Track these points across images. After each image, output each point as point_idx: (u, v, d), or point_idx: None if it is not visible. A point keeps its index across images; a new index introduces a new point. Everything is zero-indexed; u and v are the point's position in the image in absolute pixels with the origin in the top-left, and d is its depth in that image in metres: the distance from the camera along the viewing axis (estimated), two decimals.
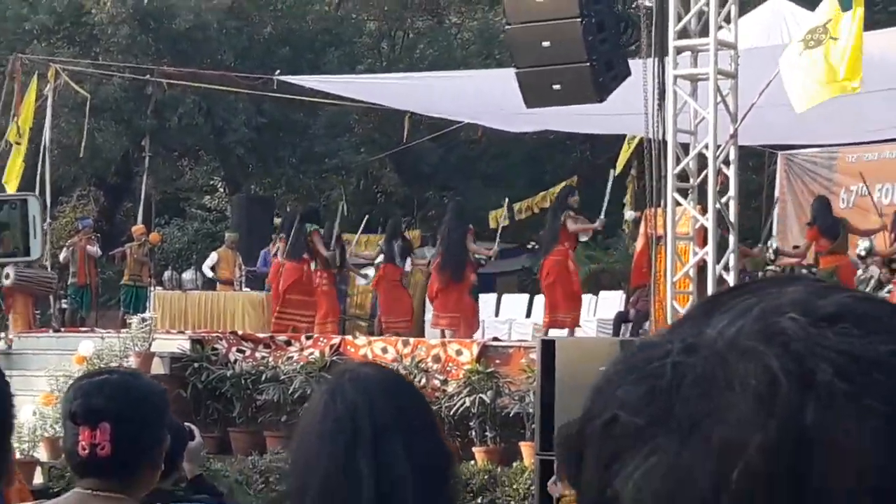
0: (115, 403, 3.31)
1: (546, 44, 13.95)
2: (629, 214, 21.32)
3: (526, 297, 23.95)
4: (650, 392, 0.88)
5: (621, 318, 19.79)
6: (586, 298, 23.03)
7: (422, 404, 2.92)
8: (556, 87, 14.11)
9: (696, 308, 0.93)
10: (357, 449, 2.67)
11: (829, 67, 12.77)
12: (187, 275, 24.88)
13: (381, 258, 21.60)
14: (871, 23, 15.46)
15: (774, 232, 22.01)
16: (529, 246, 26.52)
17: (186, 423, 5.60)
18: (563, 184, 25.92)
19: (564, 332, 17.86)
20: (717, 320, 0.89)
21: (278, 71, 24.69)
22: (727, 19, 14.06)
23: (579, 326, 18.70)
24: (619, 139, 25.19)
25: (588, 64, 13.86)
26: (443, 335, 18.19)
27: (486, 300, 23.87)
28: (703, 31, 14.13)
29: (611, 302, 22.41)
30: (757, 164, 26.07)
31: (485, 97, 20.62)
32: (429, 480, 2.69)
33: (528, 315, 22.70)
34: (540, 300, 22.89)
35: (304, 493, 2.68)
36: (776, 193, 25.10)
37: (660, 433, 0.86)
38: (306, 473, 2.69)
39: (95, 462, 3.26)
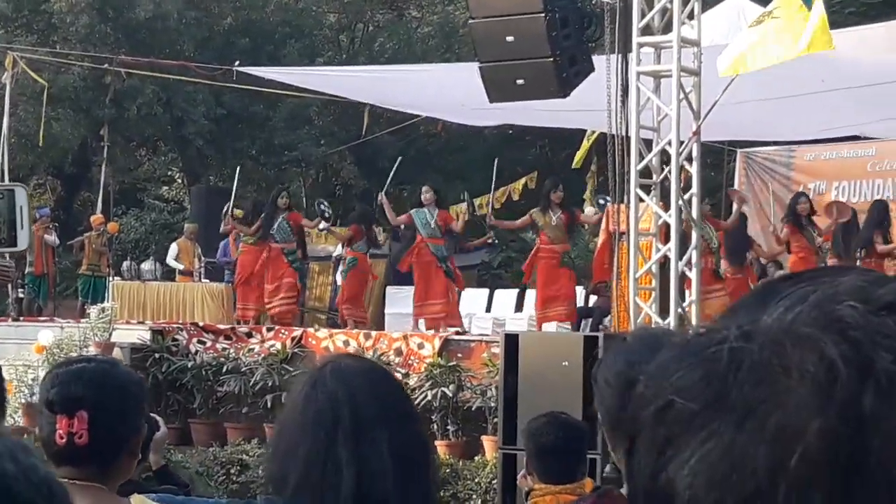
0: (93, 392, 3.28)
1: (510, 38, 13.94)
2: (589, 210, 21.35)
3: (486, 291, 23.94)
4: (706, 377, 0.89)
5: (582, 314, 19.83)
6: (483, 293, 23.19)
7: (402, 396, 2.94)
8: (520, 81, 14.11)
9: (750, 295, 0.94)
10: (337, 438, 2.68)
11: (768, 37, 12.85)
12: (146, 265, 24.78)
13: (339, 250, 21.58)
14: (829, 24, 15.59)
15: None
16: (489, 241, 26.48)
17: (151, 414, 5.58)
18: (522, 179, 26.03)
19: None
20: (774, 308, 0.90)
21: (237, 62, 24.59)
22: (690, 16, 14.10)
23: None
24: (579, 135, 25.23)
25: (551, 59, 13.86)
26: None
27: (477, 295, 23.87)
28: (667, 28, 14.17)
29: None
30: (716, 161, 26.18)
31: (445, 91, 20.60)
32: (409, 471, 2.71)
33: (489, 310, 22.69)
34: (500, 295, 22.97)
35: (284, 480, 2.69)
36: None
37: (715, 418, 0.87)
38: (287, 461, 2.70)
39: (73, 451, 3.24)
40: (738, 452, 0.85)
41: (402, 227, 19.41)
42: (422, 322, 18.46)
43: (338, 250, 22.06)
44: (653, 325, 12.57)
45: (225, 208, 21.00)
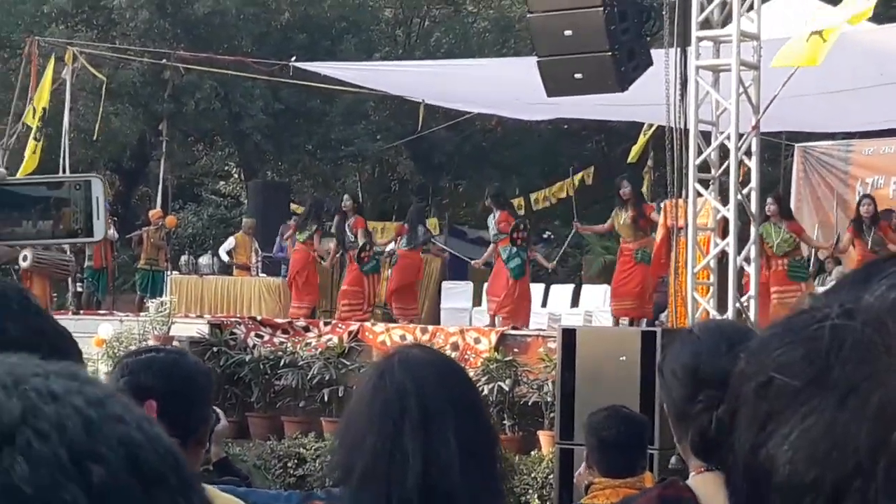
0: (162, 381, 3.29)
1: (568, 32, 13.93)
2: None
3: (542, 286, 23.93)
4: (807, 355, 0.89)
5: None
6: (601, 289, 23.03)
7: (470, 387, 2.94)
8: (578, 76, 14.10)
9: (852, 275, 0.94)
10: (404, 430, 2.68)
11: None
12: (204, 259, 24.93)
13: (392, 245, 21.68)
14: (887, 17, 15.53)
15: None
16: (545, 236, 26.47)
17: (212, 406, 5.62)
18: (579, 174, 25.96)
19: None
20: (876, 286, 0.90)
21: (294, 57, 24.68)
22: (750, 9, 14.04)
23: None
24: (635, 129, 25.16)
25: (610, 53, 13.84)
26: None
27: None
28: (726, 22, 14.12)
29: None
30: (773, 155, 26.03)
31: (500, 86, 20.60)
32: (475, 463, 2.71)
33: (544, 305, 22.69)
34: (556, 290, 22.97)
35: (350, 471, 2.70)
36: (793, 186, 25.08)
37: (817, 395, 0.87)
38: (353, 452, 2.71)
39: None
40: (840, 430, 0.86)
41: None
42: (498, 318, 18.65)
43: (390, 246, 22.15)
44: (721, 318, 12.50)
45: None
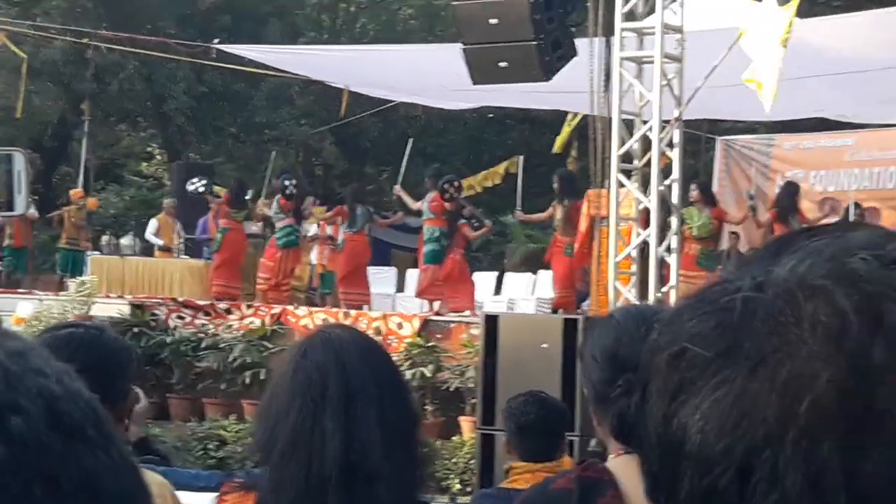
0: (81, 356, 3.27)
1: (494, 21, 13.97)
2: None
3: None
4: (719, 326, 0.91)
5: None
6: (525, 277, 23.11)
7: (391, 367, 2.95)
8: (503, 64, 14.14)
9: (764, 248, 0.97)
10: (325, 409, 2.69)
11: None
12: (125, 240, 24.71)
13: (314, 230, 21.64)
14: (810, 13, 15.71)
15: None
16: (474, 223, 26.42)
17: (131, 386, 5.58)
18: (505, 163, 26.00)
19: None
20: (787, 259, 0.93)
21: (217, 40, 24.52)
22: (673, 1, 14.14)
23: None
24: (560, 119, 25.19)
25: (535, 42, 13.90)
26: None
27: None
28: (650, 13, 14.21)
29: (549, 281, 22.44)
30: (695, 148, 26.22)
31: (424, 73, 20.58)
32: (397, 442, 2.72)
33: None
34: (479, 278, 22.96)
35: (271, 448, 2.71)
36: (714, 178, 25.27)
37: (728, 366, 0.89)
38: (275, 429, 2.72)
39: None
40: (750, 400, 0.88)
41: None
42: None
43: (313, 230, 22.03)
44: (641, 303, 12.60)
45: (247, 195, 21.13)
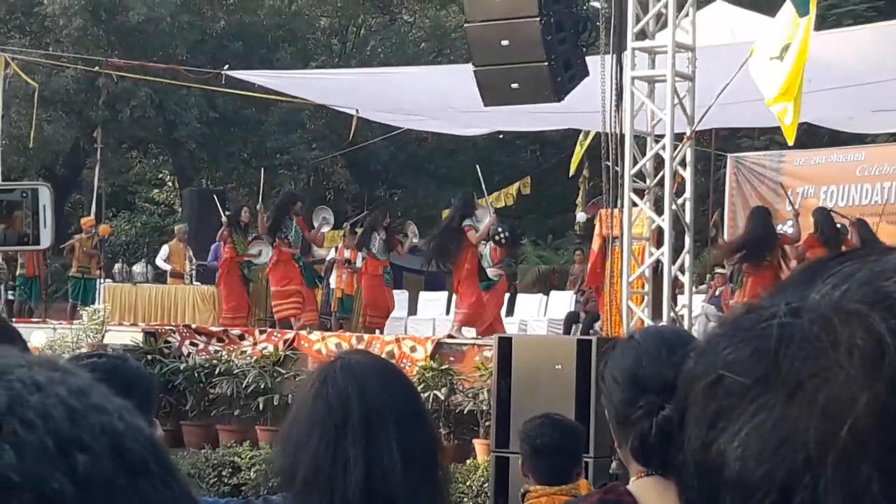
0: (105, 386, 3.27)
1: (505, 42, 13.98)
2: (580, 216, 21.37)
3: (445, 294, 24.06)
4: (756, 353, 0.91)
5: (572, 319, 19.87)
6: (536, 298, 23.11)
7: (412, 393, 2.94)
8: (515, 85, 14.15)
9: (798, 274, 0.96)
10: (346, 434, 2.68)
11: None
12: (137, 267, 24.77)
13: (332, 254, 21.66)
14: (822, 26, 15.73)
15: (725, 234, 22.15)
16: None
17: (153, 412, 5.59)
18: (516, 183, 26.04)
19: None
20: (822, 285, 0.92)
21: (227, 66, 24.59)
22: (685, 17, 14.16)
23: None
24: (571, 139, 25.26)
25: (546, 63, 13.90)
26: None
27: (437, 298, 23.93)
28: (661, 31, 14.23)
29: (561, 302, 22.48)
30: (705, 166, 26.26)
31: (436, 95, 20.58)
32: (418, 468, 2.71)
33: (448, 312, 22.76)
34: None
35: (292, 475, 2.70)
36: (726, 195, 25.30)
37: (766, 392, 0.89)
38: (295, 457, 2.71)
39: None
40: (789, 425, 0.87)
41: None
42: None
43: (331, 254, 22.09)
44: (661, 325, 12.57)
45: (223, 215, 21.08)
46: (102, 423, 0.83)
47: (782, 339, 0.90)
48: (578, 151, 24.52)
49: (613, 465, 9.45)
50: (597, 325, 17.88)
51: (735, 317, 0.96)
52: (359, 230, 21.25)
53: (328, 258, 21.85)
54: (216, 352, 17.47)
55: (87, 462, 0.80)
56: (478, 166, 20.07)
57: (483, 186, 19.46)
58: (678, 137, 14.11)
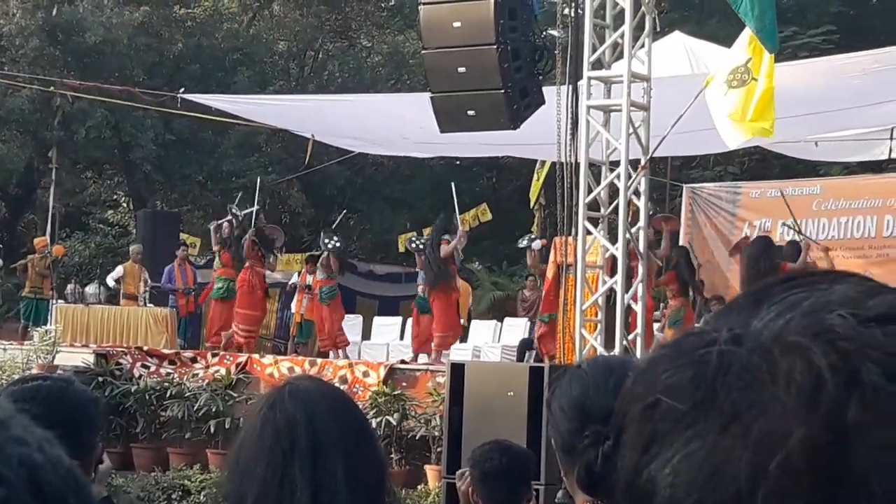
0: (49, 409, 3.24)
1: (461, 69, 14.00)
2: (536, 243, 21.36)
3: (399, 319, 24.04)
4: (694, 378, 0.89)
5: (526, 345, 19.86)
6: (490, 324, 23.10)
7: (360, 418, 2.93)
8: (471, 112, 14.17)
9: (744, 297, 0.95)
10: (294, 460, 2.68)
11: (747, 107, 12.99)
12: (90, 288, 24.60)
13: (294, 279, 21.65)
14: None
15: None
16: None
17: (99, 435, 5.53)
18: (473, 210, 26.03)
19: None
20: (766, 312, 0.91)
21: (182, 89, 24.51)
22: (641, 48, 14.24)
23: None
24: (526, 168, 25.32)
25: (503, 91, 13.93)
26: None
27: (391, 323, 23.89)
28: (617, 61, 14.29)
29: (515, 328, 22.45)
30: (660, 195, 26.35)
31: (392, 121, 20.58)
32: (364, 493, 2.71)
33: (402, 338, 22.74)
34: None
35: (240, 499, 2.69)
36: (681, 225, 25.36)
37: (701, 420, 0.88)
38: (243, 482, 2.70)
39: None
40: (721, 456, 0.86)
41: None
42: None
43: (293, 279, 22.06)
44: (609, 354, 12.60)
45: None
46: (21, 454, 0.81)
47: (721, 367, 0.89)
48: (536, 182, 24.57)
49: (559, 494, 9.45)
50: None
51: (678, 339, 0.94)
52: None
53: (290, 282, 21.82)
54: (168, 374, 17.40)
55: (3, 494, 0.79)
56: (453, 184, 20.13)
57: (455, 204, 19.60)
58: (633, 166, 14.17)
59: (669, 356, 0.93)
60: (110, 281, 23.85)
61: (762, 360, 0.88)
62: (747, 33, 13.18)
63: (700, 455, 0.87)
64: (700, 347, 0.91)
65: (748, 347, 0.89)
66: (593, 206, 14.27)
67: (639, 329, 14.13)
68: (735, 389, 0.88)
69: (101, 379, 17.00)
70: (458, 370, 12.55)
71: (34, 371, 16.29)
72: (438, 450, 13.92)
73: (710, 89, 13.50)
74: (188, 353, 18.25)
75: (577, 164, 13.91)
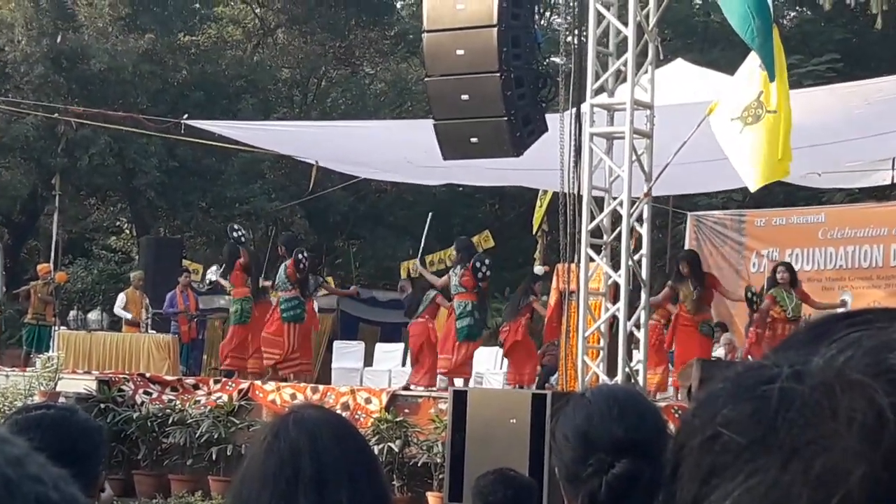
0: (53, 438, 3.24)
1: (465, 97, 14.04)
2: (538, 269, 21.36)
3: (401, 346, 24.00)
4: (755, 413, 0.91)
5: (549, 372, 19.82)
6: (493, 351, 23.07)
7: (364, 447, 2.93)
8: (474, 140, 14.20)
9: (803, 333, 0.96)
10: (299, 489, 2.67)
11: (775, 144, 12.86)
12: (93, 315, 24.57)
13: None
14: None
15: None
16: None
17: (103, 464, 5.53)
18: (475, 237, 26.01)
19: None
20: (826, 349, 0.92)
21: (186, 115, 24.57)
22: (644, 74, 14.27)
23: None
24: (529, 194, 25.32)
25: (506, 118, 13.97)
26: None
27: (394, 349, 23.87)
28: (620, 90, 14.33)
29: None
30: (663, 223, 26.35)
31: (396, 147, 20.63)
32: None
33: (403, 364, 22.68)
34: None
35: None
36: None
37: (762, 455, 0.89)
38: None
39: None
40: (781, 491, 0.87)
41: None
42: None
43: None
44: (613, 382, 12.60)
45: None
46: (37, 492, 0.82)
47: (782, 403, 0.90)
48: (540, 209, 24.57)
49: None
50: (553, 380, 17.88)
51: (738, 373, 0.96)
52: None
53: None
54: (170, 401, 17.38)
55: None
56: (430, 214, 20.17)
57: (424, 237, 19.65)
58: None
59: (729, 390, 0.94)
60: (119, 311, 23.76)
61: (823, 398, 0.89)
62: (755, 64, 13.08)
63: (760, 490, 0.88)
64: (761, 383, 0.93)
65: (810, 384, 0.91)
66: (596, 233, 14.29)
67: (641, 356, 14.13)
68: (796, 426, 0.89)
69: (103, 406, 16.98)
70: (460, 397, 12.55)
71: (36, 398, 16.28)
72: (440, 477, 13.90)
73: (718, 123, 13.42)
74: (190, 380, 18.24)
75: (580, 193, 13.94)
